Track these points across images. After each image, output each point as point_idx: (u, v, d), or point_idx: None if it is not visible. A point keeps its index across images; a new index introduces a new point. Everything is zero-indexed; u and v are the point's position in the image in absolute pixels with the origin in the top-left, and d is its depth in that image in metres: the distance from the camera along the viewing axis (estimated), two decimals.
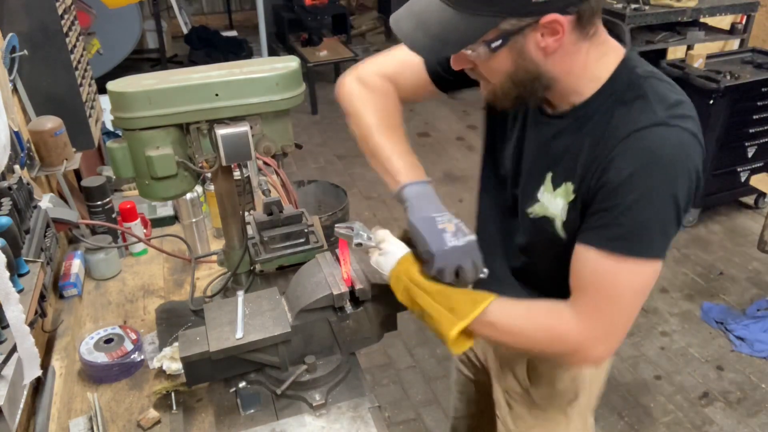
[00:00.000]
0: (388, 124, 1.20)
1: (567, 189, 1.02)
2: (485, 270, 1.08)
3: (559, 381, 1.30)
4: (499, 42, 0.90)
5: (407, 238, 1.12)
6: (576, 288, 1.01)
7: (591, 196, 0.97)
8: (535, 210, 1.09)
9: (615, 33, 1.02)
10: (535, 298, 1.10)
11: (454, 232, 1.04)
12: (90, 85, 2.25)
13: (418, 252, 1.07)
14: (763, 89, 3.46)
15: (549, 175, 1.05)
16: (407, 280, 1.07)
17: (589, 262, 0.97)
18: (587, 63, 0.96)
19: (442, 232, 1.04)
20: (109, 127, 2.63)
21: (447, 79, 1.18)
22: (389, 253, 1.10)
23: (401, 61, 1.22)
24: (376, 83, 1.23)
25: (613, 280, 0.96)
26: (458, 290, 1.05)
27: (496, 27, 0.89)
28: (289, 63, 1.28)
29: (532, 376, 1.32)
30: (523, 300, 1.07)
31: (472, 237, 1.06)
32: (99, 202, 1.67)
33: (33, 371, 1.00)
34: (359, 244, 1.13)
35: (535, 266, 1.19)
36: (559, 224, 1.05)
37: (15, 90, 1.83)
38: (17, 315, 0.98)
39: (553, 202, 1.05)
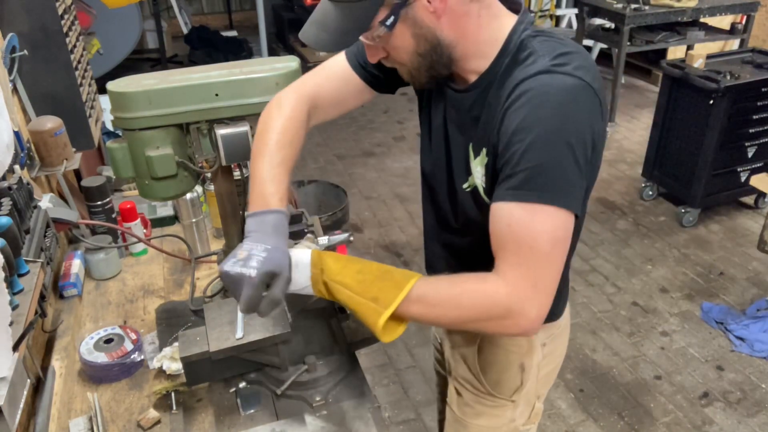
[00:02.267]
0: (288, 155, 1.14)
1: (482, 155, 1.05)
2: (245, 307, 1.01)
3: (508, 368, 1.33)
4: (391, 18, 0.96)
5: None
6: (496, 250, 1.00)
7: (496, 153, 1.00)
8: (469, 182, 1.11)
9: (510, 3, 1.06)
10: None
11: (239, 259, 0.98)
12: (90, 85, 2.25)
13: None
14: (763, 89, 3.46)
15: (470, 146, 1.09)
16: (325, 278, 1.04)
17: (501, 218, 0.97)
18: (480, 25, 1.01)
19: (232, 255, 0.99)
20: (109, 127, 2.64)
21: (378, 77, 1.22)
22: (297, 264, 1.05)
23: (325, 76, 1.25)
24: (291, 109, 1.18)
25: (525, 231, 0.95)
26: (379, 277, 1.03)
27: (383, 5, 0.95)
28: (289, 63, 1.28)
29: (483, 364, 1.35)
30: (448, 275, 1.06)
31: (249, 272, 0.97)
32: (99, 202, 1.67)
33: (1, 370, 0.98)
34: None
35: (477, 245, 1.17)
36: (481, 191, 1.08)
37: (15, 90, 1.83)
38: (1, 314, 0.98)
39: (475, 170, 1.08)
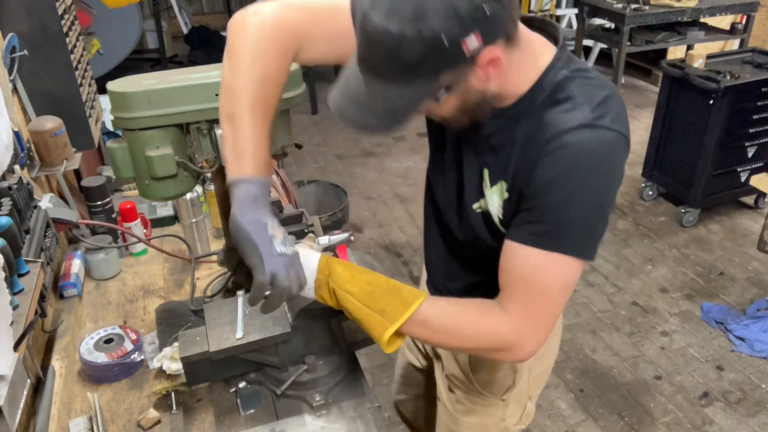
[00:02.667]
0: (264, 97, 1.02)
1: (501, 187, 1.04)
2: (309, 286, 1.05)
3: (499, 369, 1.34)
4: (444, 93, 0.91)
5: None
6: (504, 284, 1.03)
7: (521, 195, 1.00)
8: (480, 204, 1.11)
9: (549, 32, 1.03)
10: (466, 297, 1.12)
11: (283, 240, 0.99)
12: (90, 85, 2.25)
13: (243, 254, 1.00)
14: (763, 89, 3.46)
15: (486, 172, 1.07)
16: (333, 285, 1.05)
17: (516, 258, 0.99)
18: (520, 70, 0.97)
19: (271, 239, 0.98)
20: (109, 127, 2.64)
21: None
22: (305, 260, 1.05)
23: (321, 17, 1.04)
24: (280, 35, 1.01)
25: (538, 275, 0.98)
26: (387, 291, 1.04)
27: (437, 83, 0.88)
28: None
29: (473, 363, 1.36)
30: (453, 299, 1.09)
31: (296, 249, 1.02)
32: (99, 202, 1.67)
33: (1, 368, 0.99)
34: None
35: (480, 256, 1.19)
36: (496, 221, 1.08)
37: (15, 90, 1.83)
38: (2, 313, 0.98)
39: (491, 198, 1.07)
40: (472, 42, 0.83)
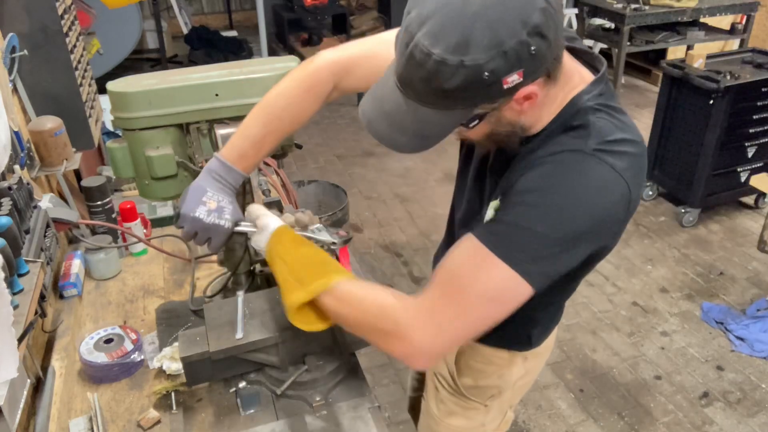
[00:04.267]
0: (278, 109, 1.17)
1: (497, 201, 1.01)
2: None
3: (486, 377, 1.33)
4: (476, 122, 0.90)
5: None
6: (434, 273, 0.98)
7: (503, 199, 0.97)
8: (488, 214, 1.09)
9: (593, 65, 1.01)
10: None
11: (211, 210, 1.13)
12: (90, 85, 2.25)
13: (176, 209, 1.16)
14: (763, 89, 3.46)
15: (498, 188, 1.05)
16: (274, 252, 1.09)
17: (459, 247, 0.95)
18: (553, 105, 0.96)
19: (200, 203, 1.13)
20: (109, 127, 2.64)
21: None
22: (264, 228, 1.13)
23: (366, 53, 1.17)
24: (319, 74, 1.18)
25: (466, 270, 0.92)
26: (317, 263, 1.07)
27: (471, 111, 0.88)
28: (289, 63, 1.28)
29: (462, 367, 1.35)
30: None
31: (223, 223, 1.14)
32: (99, 202, 1.67)
33: (9, 372, 0.99)
34: (235, 232, 1.18)
35: None
36: None
37: (15, 90, 1.83)
38: (5, 316, 0.98)
39: (489, 213, 1.04)
40: (514, 79, 0.81)
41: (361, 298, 1.02)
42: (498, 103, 0.86)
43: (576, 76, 0.98)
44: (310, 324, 1.08)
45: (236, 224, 1.16)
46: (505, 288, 0.90)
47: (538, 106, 0.92)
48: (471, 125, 0.91)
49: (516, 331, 1.25)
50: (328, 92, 1.19)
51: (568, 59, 0.95)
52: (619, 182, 0.90)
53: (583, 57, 1.03)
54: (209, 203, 1.13)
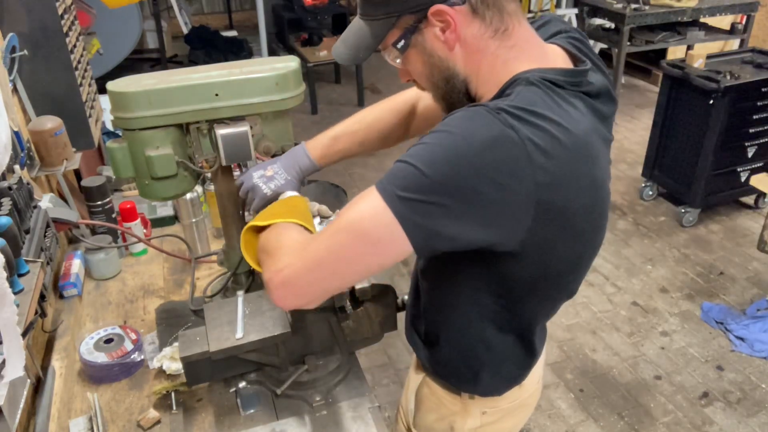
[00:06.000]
0: (362, 120, 1.36)
1: None
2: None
3: (438, 421, 1.23)
4: (402, 42, 0.95)
5: None
6: None
7: None
8: None
9: (574, 52, 1.00)
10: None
11: (267, 177, 1.23)
12: (90, 85, 2.25)
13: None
14: (763, 89, 3.46)
15: None
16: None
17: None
18: (495, 64, 0.93)
19: (263, 168, 1.25)
20: (109, 127, 2.63)
21: None
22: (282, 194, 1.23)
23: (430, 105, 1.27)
24: (404, 104, 1.35)
25: (350, 204, 0.88)
26: (290, 206, 1.12)
27: (395, 27, 0.95)
28: (289, 63, 1.28)
29: (418, 399, 1.26)
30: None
31: (265, 189, 1.22)
32: (99, 202, 1.67)
33: (16, 371, 0.99)
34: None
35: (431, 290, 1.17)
36: None
37: (15, 90, 1.83)
38: (10, 316, 0.98)
39: None
40: None
41: (285, 232, 1.01)
42: (415, 16, 0.92)
43: (527, 49, 0.94)
44: (250, 247, 1.10)
45: (277, 196, 1.22)
46: (372, 218, 0.84)
47: (470, 51, 0.93)
48: (399, 45, 0.96)
49: (457, 365, 1.14)
50: (410, 121, 1.34)
51: (530, 34, 0.96)
52: (515, 146, 0.80)
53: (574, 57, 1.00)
54: (268, 171, 1.24)
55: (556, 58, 0.98)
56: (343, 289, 1.13)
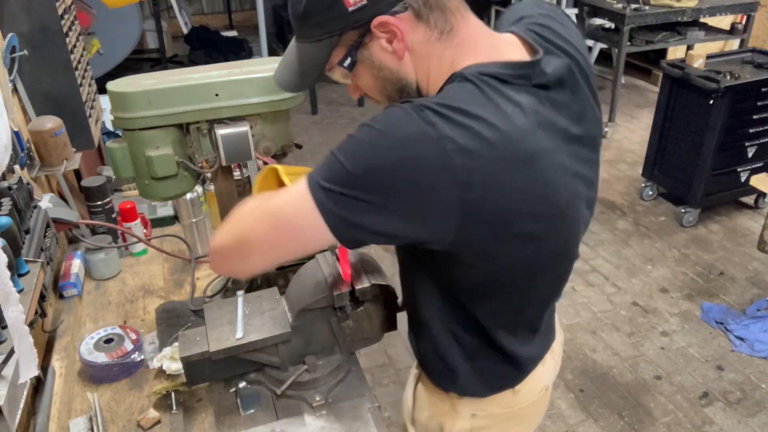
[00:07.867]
0: None
1: None
2: None
3: (430, 418, 1.22)
4: (348, 60, 0.92)
5: None
6: None
7: None
8: None
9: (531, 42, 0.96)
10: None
11: None
12: (90, 85, 2.25)
13: None
14: (763, 89, 3.46)
15: None
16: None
17: None
18: (442, 66, 0.91)
19: None
20: (109, 127, 2.63)
21: None
22: None
23: None
24: None
25: (276, 196, 0.91)
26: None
27: (338, 46, 0.91)
28: None
29: (416, 397, 1.26)
30: None
31: None
32: (99, 202, 1.67)
33: (30, 371, 1.00)
34: None
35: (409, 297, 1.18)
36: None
37: (15, 90, 1.83)
38: (17, 315, 0.99)
39: None
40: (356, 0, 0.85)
41: (252, 201, 1.00)
42: (358, 32, 0.89)
43: (485, 48, 0.91)
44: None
45: None
46: (295, 204, 0.87)
47: (418, 57, 0.91)
48: (345, 63, 0.92)
49: (434, 359, 1.14)
50: None
51: (478, 29, 0.92)
52: (431, 144, 0.79)
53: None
54: None
55: (509, 49, 0.93)
56: (268, 267, 1.14)
